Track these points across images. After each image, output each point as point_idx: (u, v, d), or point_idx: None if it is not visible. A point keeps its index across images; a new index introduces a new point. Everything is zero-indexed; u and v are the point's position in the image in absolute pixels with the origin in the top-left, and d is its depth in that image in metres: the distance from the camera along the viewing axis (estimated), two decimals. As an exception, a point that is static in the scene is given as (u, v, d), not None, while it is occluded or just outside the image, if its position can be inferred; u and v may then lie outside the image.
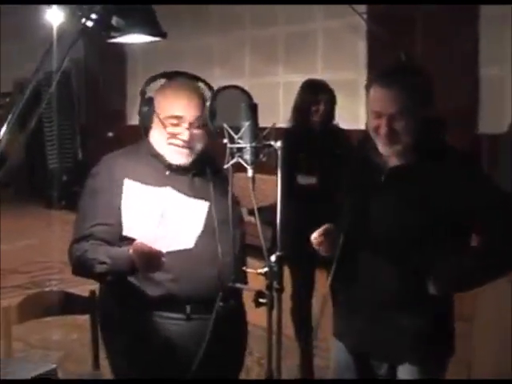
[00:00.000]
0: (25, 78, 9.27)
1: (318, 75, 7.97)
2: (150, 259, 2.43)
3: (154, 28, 1.96)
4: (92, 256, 2.53)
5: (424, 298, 2.48)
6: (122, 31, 1.82)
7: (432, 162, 2.48)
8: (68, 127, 11.81)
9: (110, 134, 11.49)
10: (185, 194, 2.56)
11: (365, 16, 7.06)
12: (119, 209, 2.47)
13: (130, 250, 2.45)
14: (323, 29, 8.40)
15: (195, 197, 2.58)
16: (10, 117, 1.80)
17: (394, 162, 2.53)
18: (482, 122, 6.77)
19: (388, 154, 2.51)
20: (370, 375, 2.69)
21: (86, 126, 12.19)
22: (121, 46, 10.21)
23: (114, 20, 1.77)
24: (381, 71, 2.53)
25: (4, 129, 1.80)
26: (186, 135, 2.61)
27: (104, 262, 2.51)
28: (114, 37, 1.85)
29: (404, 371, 2.58)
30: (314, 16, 8.42)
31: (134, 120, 2.69)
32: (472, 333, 4.04)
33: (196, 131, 2.63)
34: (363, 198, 2.57)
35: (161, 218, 2.41)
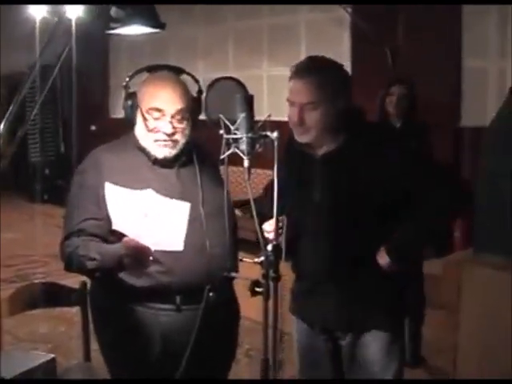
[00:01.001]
0: (14, 71, 9.18)
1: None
2: (139, 254, 2.44)
3: (153, 19, 1.96)
4: (83, 252, 2.54)
5: (375, 268, 2.64)
6: (122, 22, 1.82)
7: (357, 145, 2.64)
8: (50, 120, 11.72)
9: (93, 128, 11.45)
10: (171, 187, 2.61)
11: (349, 9, 7.09)
12: (107, 204, 2.51)
13: (120, 245, 2.46)
14: (307, 21, 8.40)
15: (182, 189, 2.63)
16: (7, 113, 1.80)
17: (323, 149, 2.68)
18: (465, 115, 6.81)
19: (302, 141, 2.65)
20: (333, 347, 2.83)
21: (68, 119, 12.12)
22: (103, 38, 10.17)
23: (114, 11, 1.77)
24: (299, 64, 2.64)
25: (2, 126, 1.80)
26: (168, 128, 2.60)
27: (94, 259, 2.51)
28: (113, 28, 1.85)
29: (371, 338, 2.73)
30: (298, 8, 8.42)
31: (116, 113, 2.70)
32: (458, 323, 4.07)
33: (179, 124, 2.63)
34: (302, 185, 2.73)
35: (144, 217, 2.45)
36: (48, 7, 2.17)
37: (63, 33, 1.94)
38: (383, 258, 2.63)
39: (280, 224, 2.60)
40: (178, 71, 2.77)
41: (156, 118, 2.61)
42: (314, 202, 2.69)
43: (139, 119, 2.66)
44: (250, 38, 9.12)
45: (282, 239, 2.55)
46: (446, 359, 4.38)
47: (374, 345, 2.73)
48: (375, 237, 2.64)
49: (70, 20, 1.91)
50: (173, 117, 2.61)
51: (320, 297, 2.74)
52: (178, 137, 2.64)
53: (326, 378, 2.88)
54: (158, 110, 2.60)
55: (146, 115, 2.62)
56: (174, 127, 2.61)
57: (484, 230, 4.09)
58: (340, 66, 2.67)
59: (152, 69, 2.75)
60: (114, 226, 2.49)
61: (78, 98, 11.50)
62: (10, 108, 1.90)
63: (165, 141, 2.62)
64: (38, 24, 2.33)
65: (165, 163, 2.68)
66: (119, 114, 2.73)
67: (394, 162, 2.60)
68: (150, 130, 2.63)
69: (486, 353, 3.83)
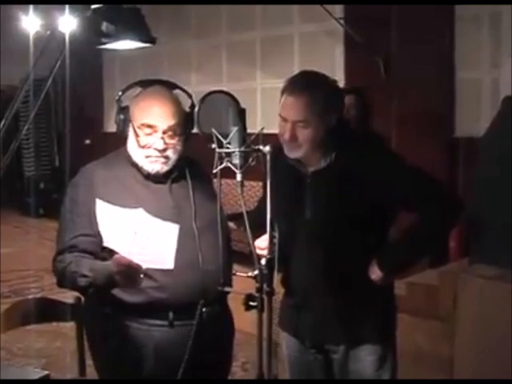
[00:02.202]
0: (8, 85, 9.18)
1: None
2: (130, 272, 2.43)
3: (144, 34, 1.96)
4: (75, 269, 2.54)
5: (366, 282, 2.63)
6: (113, 37, 1.82)
7: (348, 161, 2.61)
8: (45, 134, 11.71)
9: (87, 142, 11.44)
10: (164, 202, 2.61)
11: (341, 20, 7.10)
12: (98, 221, 2.52)
13: (111, 263, 2.46)
14: (300, 33, 8.41)
15: (175, 205, 2.62)
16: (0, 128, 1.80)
17: (314, 166, 2.65)
18: (459, 126, 6.81)
19: (293, 157, 2.63)
20: (324, 361, 2.81)
21: (63, 133, 12.10)
22: (97, 51, 10.17)
23: (104, 26, 1.77)
24: (292, 79, 2.61)
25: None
26: (160, 144, 2.59)
27: (86, 276, 2.51)
28: (104, 43, 1.84)
29: (364, 351, 2.72)
30: (291, 20, 8.43)
31: (110, 127, 2.69)
32: (454, 333, 4.06)
33: (171, 140, 2.61)
34: (292, 200, 2.70)
35: (134, 235, 2.45)
36: (41, 21, 2.17)
37: (56, 46, 1.94)
38: (375, 272, 2.62)
39: (274, 240, 2.60)
40: (170, 86, 2.75)
41: (147, 134, 2.60)
42: (304, 217, 2.67)
43: (131, 134, 2.65)
44: (244, 50, 9.11)
45: (276, 252, 2.55)
46: (442, 368, 4.36)
47: (366, 358, 2.72)
48: (366, 251, 2.64)
49: (63, 34, 1.91)
50: (164, 133, 2.60)
51: (311, 311, 2.73)
52: (169, 153, 2.62)
53: None
54: (150, 126, 2.59)
55: (138, 131, 2.61)
56: (165, 143, 2.60)
57: (479, 240, 4.10)
58: (333, 82, 2.65)
59: (145, 84, 2.73)
60: (106, 244, 2.50)
61: (72, 112, 11.52)
62: (3, 122, 1.90)
63: (156, 157, 2.61)
64: (31, 38, 2.33)
65: (157, 178, 2.67)
66: (113, 128, 2.72)
67: (384, 176, 2.58)
68: (141, 146, 2.61)
69: (482, 362, 3.82)
